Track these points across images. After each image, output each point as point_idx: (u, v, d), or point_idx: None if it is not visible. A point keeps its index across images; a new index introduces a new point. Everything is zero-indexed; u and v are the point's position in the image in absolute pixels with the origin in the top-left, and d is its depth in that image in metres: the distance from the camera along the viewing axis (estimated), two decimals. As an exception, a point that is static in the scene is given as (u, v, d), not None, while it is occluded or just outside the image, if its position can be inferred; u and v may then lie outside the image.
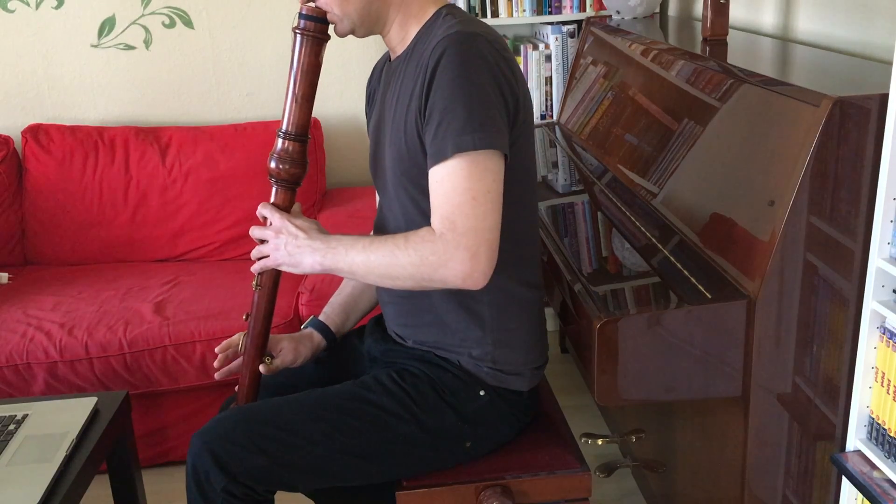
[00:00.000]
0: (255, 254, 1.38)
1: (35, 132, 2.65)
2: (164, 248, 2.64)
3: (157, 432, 2.22)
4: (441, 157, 1.20)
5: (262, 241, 1.36)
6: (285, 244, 1.32)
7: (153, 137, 2.68)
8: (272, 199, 1.38)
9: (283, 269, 1.35)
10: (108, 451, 1.65)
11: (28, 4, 2.70)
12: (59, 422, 1.59)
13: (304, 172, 1.38)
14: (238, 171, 2.64)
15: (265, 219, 1.37)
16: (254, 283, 1.42)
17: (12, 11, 2.70)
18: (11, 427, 1.57)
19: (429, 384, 1.39)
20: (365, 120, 1.59)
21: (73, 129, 2.67)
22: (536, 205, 1.46)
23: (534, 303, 1.43)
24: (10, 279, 2.39)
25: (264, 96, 2.90)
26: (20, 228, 2.65)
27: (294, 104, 1.33)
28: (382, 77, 1.47)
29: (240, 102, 2.90)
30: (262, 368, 1.46)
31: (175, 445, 2.25)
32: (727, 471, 1.44)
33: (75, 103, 2.81)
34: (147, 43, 2.79)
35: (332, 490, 1.53)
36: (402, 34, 1.36)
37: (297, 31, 1.31)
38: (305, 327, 1.60)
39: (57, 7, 2.72)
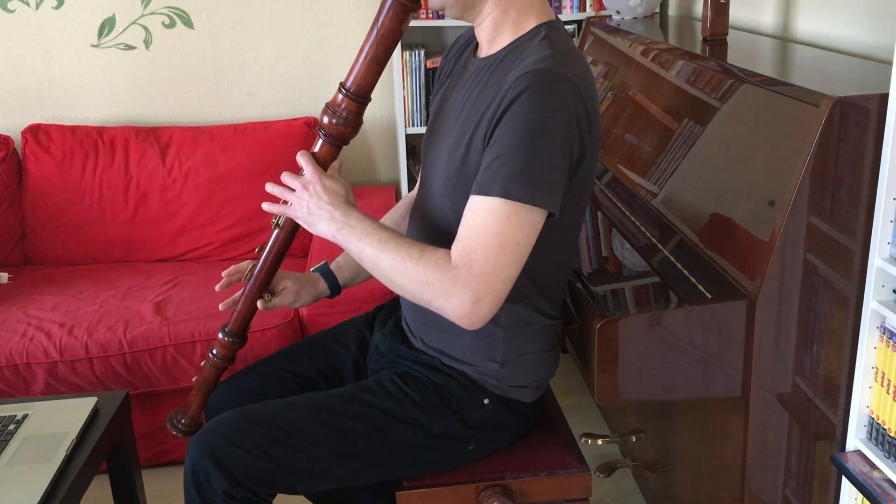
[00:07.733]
0: (277, 193, 1.34)
1: (35, 132, 2.65)
2: (164, 248, 2.64)
3: (157, 432, 2.22)
4: (486, 192, 1.17)
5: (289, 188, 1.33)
6: (308, 200, 1.30)
7: (153, 137, 2.67)
8: (314, 149, 1.34)
9: (300, 223, 1.33)
10: (108, 451, 1.65)
11: (28, 4, 2.70)
12: (58, 422, 1.59)
13: (355, 134, 1.33)
14: (238, 171, 2.63)
15: (301, 167, 1.33)
16: (274, 220, 1.40)
17: (12, 11, 2.70)
18: (11, 427, 1.57)
19: (433, 389, 1.39)
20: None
21: (73, 129, 2.67)
22: (576, 249, 1.41)
23: (550, 329, 1.40)
24: (10, 279, 2.39)
25: (264, 96, 2.90)
26: (20, 228, 2.65)
27: (363, 64, 1.28)
28: (460, 63, 1.43)
29: (240, 102, 2.90)
30: (259, 304, 1.46)
31: (175, 445, 2.24)
32: (727, 471, 1.44)
33: (75, 103, 2.81)
34: (147, 43, 2.79)
35: (331, 490, 1.53)
36: (494, 35, 1.31)
37: None
38: (314, 271, 1.58)
39: (57, 7, 2.71)
